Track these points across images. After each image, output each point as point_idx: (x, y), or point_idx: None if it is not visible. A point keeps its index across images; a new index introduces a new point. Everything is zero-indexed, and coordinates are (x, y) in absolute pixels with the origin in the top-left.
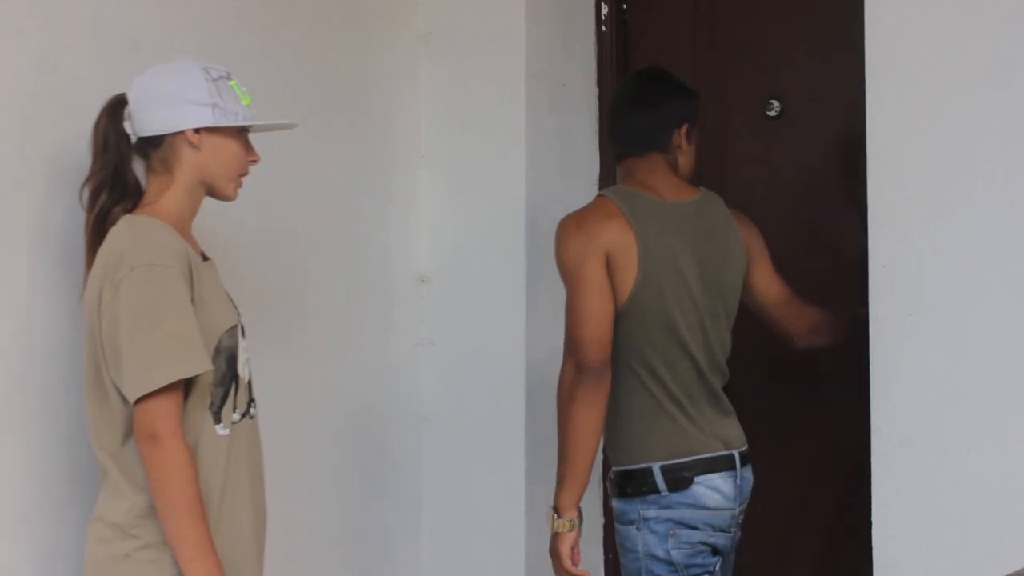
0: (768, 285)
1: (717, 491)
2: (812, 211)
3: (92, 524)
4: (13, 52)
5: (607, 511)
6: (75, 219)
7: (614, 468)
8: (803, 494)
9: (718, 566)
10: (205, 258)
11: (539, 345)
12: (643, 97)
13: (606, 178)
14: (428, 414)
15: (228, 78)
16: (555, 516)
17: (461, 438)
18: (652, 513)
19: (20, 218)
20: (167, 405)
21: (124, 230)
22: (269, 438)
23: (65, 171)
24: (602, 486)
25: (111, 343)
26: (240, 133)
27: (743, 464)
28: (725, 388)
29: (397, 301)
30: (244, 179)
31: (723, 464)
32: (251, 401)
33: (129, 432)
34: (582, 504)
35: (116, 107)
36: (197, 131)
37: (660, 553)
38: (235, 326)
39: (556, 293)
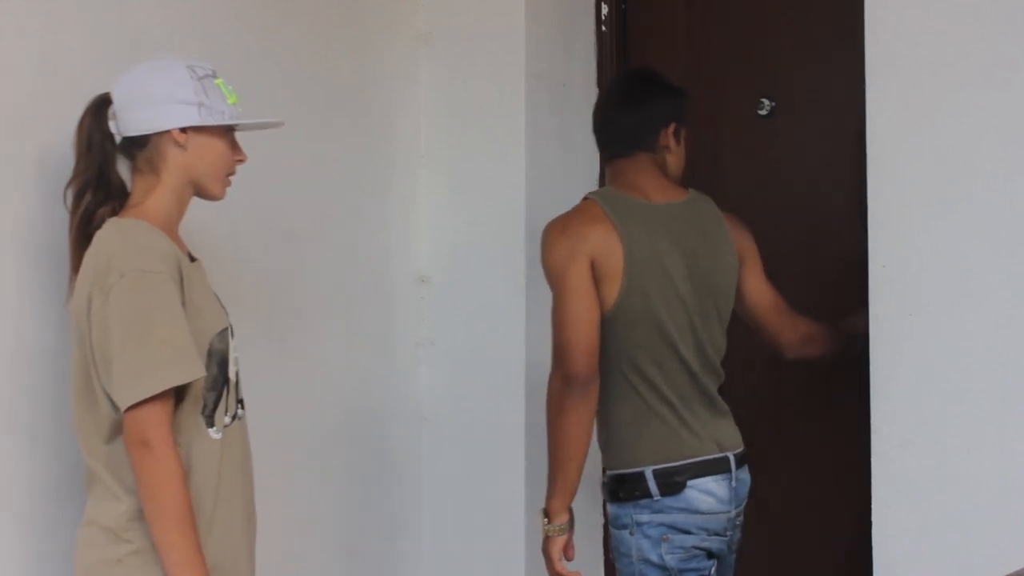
0: (759, 290)
1: (711, 495)
2: (804, 210)
3: (83, 528)
4: (13, 52)
5: (606, 513)
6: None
7: (607, 472)
8: (803, 494)
9: (713, 569)
10: (192, 259)
11: (539, 345)
12: (628, 96)
13: (606, 178)
14: (428, 414)
15: (214, 76)
16: (546, 520)
17: (461, 438)
18: (645, 517)
19: (20, 218)
20: (158, 412)
21: (112, 233)
22: (269, 438)
23: (67, 172)
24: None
25: (101, 350)
26: (227, 132)
27: (739, 466)
28: (721, 388)
29: (397, 301)
30: (232, 178)
31: (717, 467)
32: (240, 402)
33: (114, 432)
34: (581, 503)
35: (100, 106)
36: (183, 131)
37: (654, 558)
38: (225, 328)
39: None
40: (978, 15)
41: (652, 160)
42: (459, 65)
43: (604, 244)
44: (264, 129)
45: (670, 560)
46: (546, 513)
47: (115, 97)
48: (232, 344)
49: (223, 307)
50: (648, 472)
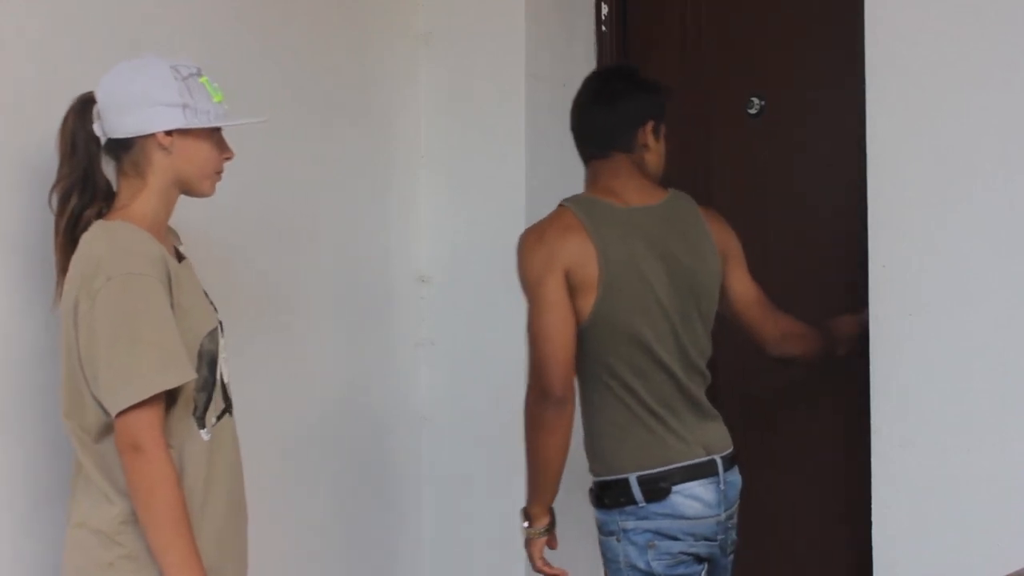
0: (742, 287)
1: (697, 499)
2: (796, 209)
3: (73, 530)
4: (13, 52)
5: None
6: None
7: (593, 479)
8: (803, 494)
9: (703, 573)
10: (181, 258)
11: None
12: (604, 95)
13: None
14: (428, 414)
15: (198, 75)
16: (526, 523)
17: (461, 438)
18: (631, 524)
19: (21, 219)
20: (149, 416)
21: (99, 236)
22: (269, 438)
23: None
24: None
25: (89, 354)
26: (213, 131)
27: (727, 468)
28: (712, 389)
29: (397, 301)
30: (222, 175)
31: (704, 471)
32: (228, 400)
33: (103, 433)
34: (581, 505)
35: (84, 106)
36: (168, 133)
37: (641, 564)
38: (215, 328)
39: None
40: (978, 15)
41: (630, 160)
42: (459, 65)
43: (579, 253)
44: (250, 126)
45: (657, 567)
46: (527, 515)
47: (99, 97)
48: (222, 343)
49: (213, 306)
50: (632, 479)
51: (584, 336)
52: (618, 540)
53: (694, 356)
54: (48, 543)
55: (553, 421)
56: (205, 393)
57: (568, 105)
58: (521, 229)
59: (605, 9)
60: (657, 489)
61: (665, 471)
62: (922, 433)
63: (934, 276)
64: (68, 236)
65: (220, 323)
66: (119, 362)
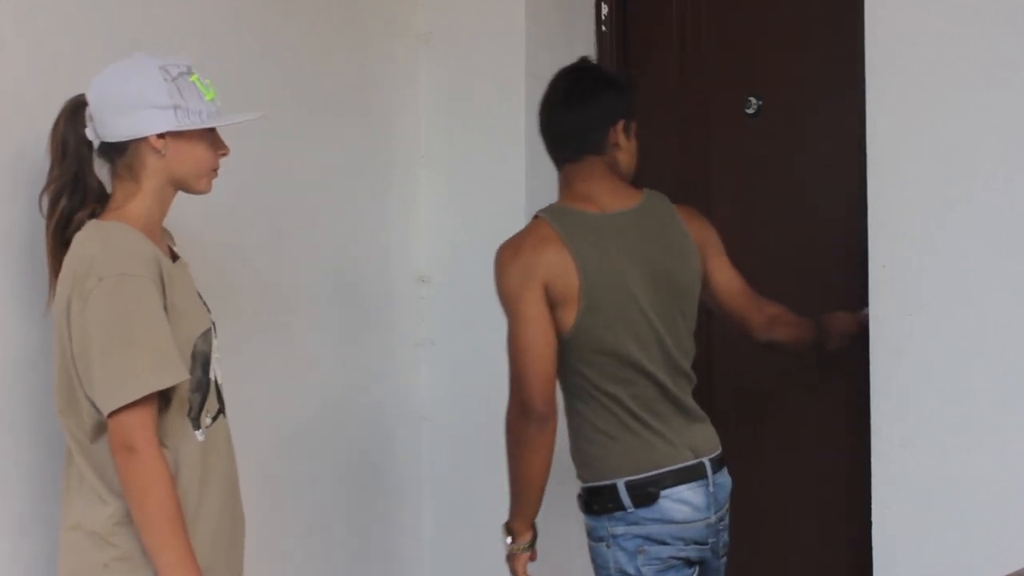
0: (725, 279)
1: (686, 503)
2: (794, 208)
3: (67, 532)
4: (13, 52)
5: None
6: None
7: (581, 485)
8: (802, 494)
9: None
10: (175, 258)
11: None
12: (572, 96)
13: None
14: (428, 414)
15: (188, 73)
16: (509, 538)
17: (461, 438)
18: (620, 530)
19: (21, 220)
20: (142, 417)
21: (93, 236)
22: (269, 437)
23: None
24: None
25: (82, 355)
26: (207, 130)
27: (716, 470)
28: (709, 390)
29: (397, 301)
30: (218, 171)
31: (692, 474)
32: (221, 401)
33: (97, 432)
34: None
35: (75, 110)
36: (161, 136)
37: (631, 570)
38: (209, 329)
39: None
40: (978, 15)
41: (602, 162)
42: (459, 65)
43: (557, 266)
44: (251, 123)
45: (647, 572)
46: (509, 531)
47: (90, 100)
48: (215, 344)
49: (206, 306)
50: (620, 484)
51: (566, 348)
52: (608, 546)
53: (679, 359)
54: (47, 543)
55: (535, 438)
56: (199, 394)
57: None
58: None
59: (605, 9)
60: (645, 494)
61: (653, 476)
62: (922, 433)
63: (934, 276)
64: (58, 239)
65: (213, 324)
66: (112, 362)
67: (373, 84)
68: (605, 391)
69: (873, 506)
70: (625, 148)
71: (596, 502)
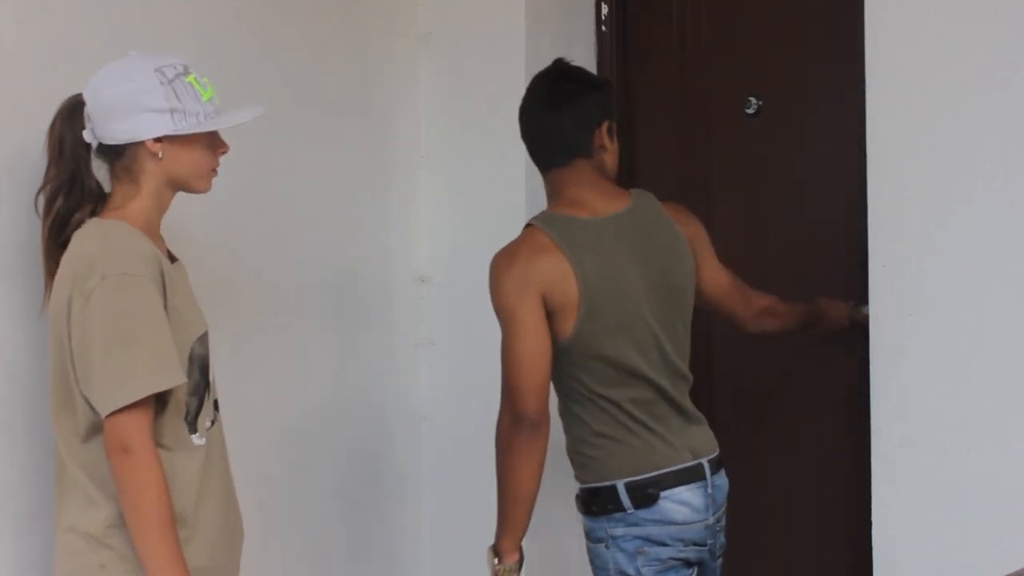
0: (715, 277)
1: (685, 505)
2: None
3: (63, 534)
4: (13, 52)
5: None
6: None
7: (580, 486)
8: (802, 494)
9: None
10: (173, 259)
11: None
12: (554, 99)
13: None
14: (428, 414)
15: (185, 73)
16: (495, 559)
17: (461, 438)
18: (620, 531)
19: (20, 220)
20: (139, 419)
21: (93, 234)
22: (268, 438)
23: None
24: None
25: (81, 354)
26: (205, 131)
27: (714, 471)
28: (708, 390)
29: (397, 301)
30: (218, 169)
31: (691, 475)
32: (215, 403)
33: (91, 433)
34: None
35: (73, 110)
36: (158, 139)
37: (630, 571)
38: (205, 332)
39: None
40: (978, 15)
41: (590, 165)
42: (459, 65)
43: (555, 275)
44: (251, 122)
45: (647, 572)
46: (496, 552)
47: (87, 101)
48: (209, 345)
49: (200, 309)
50: (620, 485)
51: (564, 354)
52: (607, 547)
53: (676, 361)
54: (46, 544)
55: (527, 445)
56: (196, 398)
57: None
58: (521, 229)
59: (605, 9)
60: (645, 495)
61: (653, 477)
62: (922, 433)
63: (934, 276)
64: (54, 239)
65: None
66: (113, 362)
67: (373, 84)
68: (603, 395)
69: (873, 506)
70: (610, 150)
71: (595, 503)
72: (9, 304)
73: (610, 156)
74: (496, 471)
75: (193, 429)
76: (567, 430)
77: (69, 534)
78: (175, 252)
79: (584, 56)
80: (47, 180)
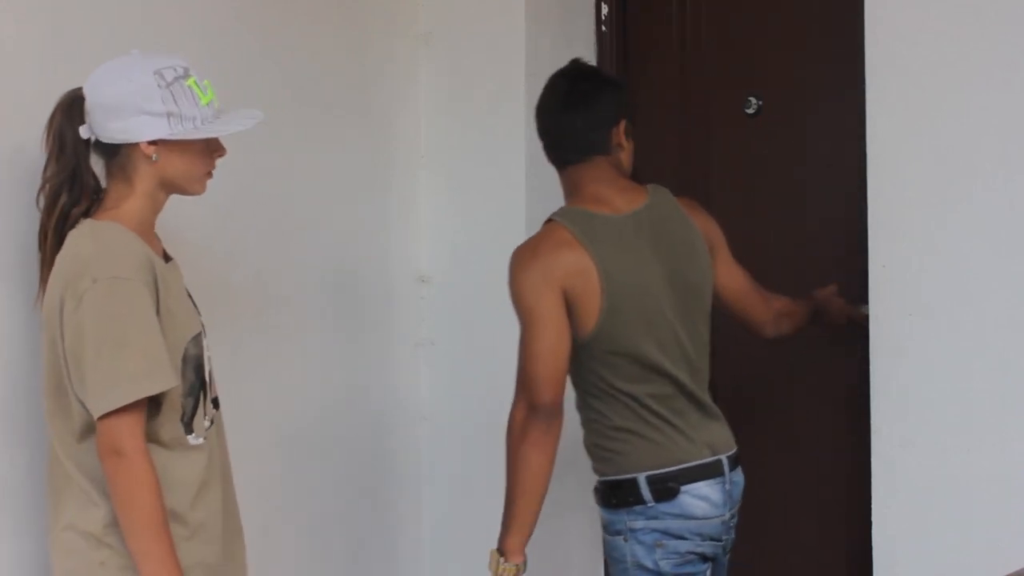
0: (730, 275)
1: (705, 499)
2: (793, 208)
3: (61, 533)
4: (13, 52)
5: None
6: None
7: (599, 478)
8: (802, 494)
9: (708, 572)
10: (168, 259)
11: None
12: (574, 97)
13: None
14: (428, 414)
15: (185, 77)
16: (500, 560)
17: (461, 438)
18: (639, 524)
19: (20, 219)
20: (131, 421)
21: (86, 235)
22: (268, 438)
23: None
24: None
25: (74, 355)
26: None
27: (732, 468)
28: (709, 389)
29: (397, 301)
30: (214, 171)
31: (711, 471)
32: (215, 401)
33: (86, 432)
34: (581, 504)
35: (72, 104)
36: (153, 142)
37: (648, 564)
38: (199, 332)
39: None
40: (978, 15)
41: (608, 163)
42: (459, 65)
43: (577, 270)
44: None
45: (664, 566)
46: (501, 552)
47: (86, 96)
48: (205, 345)
49: (196, 308)
50: (641, 478)
51: (584, 349)
52: (625, 540)
53: (696, 357)
54: (46, 544)
55: (542, 437)
56: (192, 399)
57: None
58: (521, 229)
59: (605, 9)
60: (666, 489)
61: (674, 471)
62: (922, 433)
63: (934, 276)
64: (57, 235)
65: (203, 327)
66: (105, 365)
67: (373, 84)
68: (623, 390)
69: (873, 506)
70: (627, 148)
71: (615, 496)
72: (9, 304)
73: (626, 154)
74: (506, 465)
75: (189, 430)
76: (585, 424)
77: (68, 532)
78: (175, 252)
79: (584, 56)
80: (48, 176)
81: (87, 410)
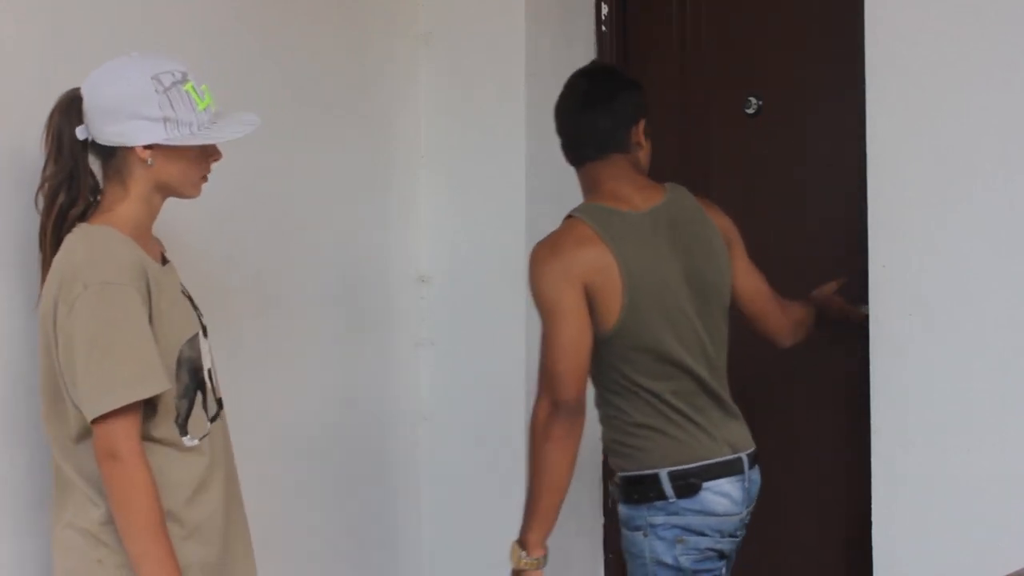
0: (747, 277)
1: (726, 496)
2: (793, 208)
3: (62, 530)
4: (13, 52)
5: (607, 512)
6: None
7: (619, 474)
8: (803, 494)
9: (724, 569)
10: (165, 261)
11: (539, 345)
12: (594, 95)
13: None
14: (428, 414)
15: (183, 81)
16: (521, 553)
17: (461, 438)
18: (660, 520)
19: (20, 219)
20: (126, 424)
21: (80, 240)
22: (269, 438)
23: None
24: (602, 486)
25: (68, 360)
26: None
27: (751, 466)
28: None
29: (397, 301)
30: (209, 176)
31: (731, 468)
32: (219, 402)
33: (82, 434)
34: (582, 501)
35: (70, 105)
36: (148, 146)
37: (668, 560)
38: (196, 334)
39: None
40: (978, 15)
41: (627, 160)
42: (459, 65)
43: (598, 266)
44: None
45: (684, 561)
46: (522, 545)
47: (84, 97)
48: (206, 347)
49: (196, 309)
50: (663, 474)
51: (605, 345)
52: (645, 535)
53: (716, 354)
54: (47, 542)
55: (566, 433)
56: (187, 400)
57: None
58: (521, 228)
59: (605, 9)
60: (688, 485)
61: (696, 467)
62: (922, 433)
63: (934, 276)
64: (55, 235)
65: (204, 328)
66: (97, 370)
67: (373, 84)
68: (645, 387)
69: (873, 506)
70: (645, 148)
71: (637, 491)
72: (9, 304)
73: (644, 153)
74: (529, 461)
75: (184, 431)
76: (604, 421)
77: (68, 530)
78: (175, 253)
79: (584, 56)
80: (47, 177)
81: (83, 413)
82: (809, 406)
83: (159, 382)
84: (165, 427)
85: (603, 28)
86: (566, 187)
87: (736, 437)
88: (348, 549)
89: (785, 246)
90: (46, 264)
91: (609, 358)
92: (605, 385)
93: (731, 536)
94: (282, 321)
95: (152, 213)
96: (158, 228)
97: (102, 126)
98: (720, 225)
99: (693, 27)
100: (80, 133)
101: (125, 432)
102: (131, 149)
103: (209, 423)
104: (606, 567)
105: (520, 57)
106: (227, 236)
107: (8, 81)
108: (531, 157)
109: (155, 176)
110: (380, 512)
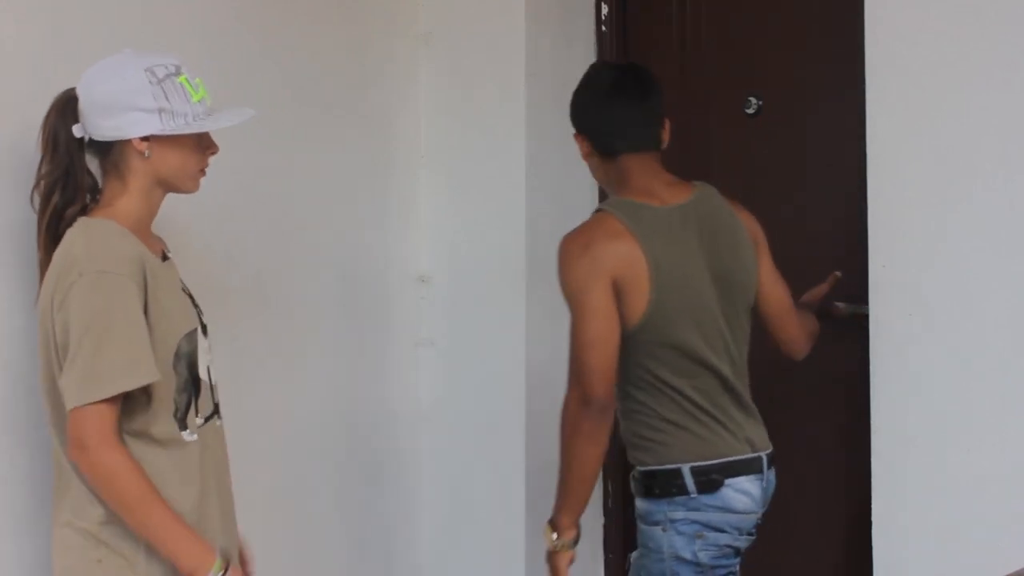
0: (771, 280)
1: (746, 494)
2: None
3: (60, 529)
4: (13, 52)
5: (607, 511)
6: None
7: (639, 468)
8: (802, 494)
9: (738, 567)
10: (166, 257)
11: (539, 345)
12: (629, 88)
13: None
14: (428, 414)
15: (176, 74)
16: (554, 534)
17: (461, 438)
18: (680, 515)
19: (21, 219)
20: (97, 415)
21: (79, 234)
22: (269, 438)
23: None
24: (602, 486)
25: (64, 349)
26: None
27: (769, 466)
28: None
29: (397, 301)
30: (205, 171)
31: (751, 467)
32: (216, 405)
33: None
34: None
35: (66, 104)
36: (145, 138)
37: (687, 555)
38: (194, 330)
39: (556, 293)
40: (978, 15)
41: (657, 157)
42: (459, 65)
43: (628, 261)
44: (249, 122)
45: (703, 556)
46: (554, 526)
47: (79, 96)
48: (204, 345)
49: (196, 307)
50: (686, 469)
51: (630, 340)
52: (664, 530)
53: (738, 352)
54: (48, 542)
55: (595, 429)
56: (185, 394)
57: (568, 105)
58: (521, 229)
59: (605, 9)
60: (710, 481)
61: (718, 464)
62: (922, 433)
63: (934, 276)
64: (51, 234)
65: (204, 325)
66: (81, 359)
67: (373, 84)
68: (669, 383)
69: (873, 506)
70: (664, 147)
71: (658, 486)
72: (9, 304)
73: (662, 153)
74: (561, 452)
75: (183, 426)
76: (625, 414)
77: (67, 529)
78: (175, 253)
79: (584, 56)
80: (42, 175)
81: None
82: (809, 406)
83: (147, 373)
84: (164, 421)
85: (603, 28)
86: (566, 187)
87: (756, 436)
88: (348, 549)
89: (785, 246)
90: (44, 263)
91: (633, 353)
92: (628, 379)
93: (748, 534)
94: (282, 321)
95: (152, 209)
96: (158, 227)
97: (98, 122)
98: (748, 226)
99: (693, 27)
100: (77, 132)
101: (94, 422)
102: (128, 143)
103: (203, 421)
104: (606, 567)
105: (520, 57)
106: (227, 236)
107: (8, 81)
108: (531, 157)
109: (153, 169)
110: (380, 512)
